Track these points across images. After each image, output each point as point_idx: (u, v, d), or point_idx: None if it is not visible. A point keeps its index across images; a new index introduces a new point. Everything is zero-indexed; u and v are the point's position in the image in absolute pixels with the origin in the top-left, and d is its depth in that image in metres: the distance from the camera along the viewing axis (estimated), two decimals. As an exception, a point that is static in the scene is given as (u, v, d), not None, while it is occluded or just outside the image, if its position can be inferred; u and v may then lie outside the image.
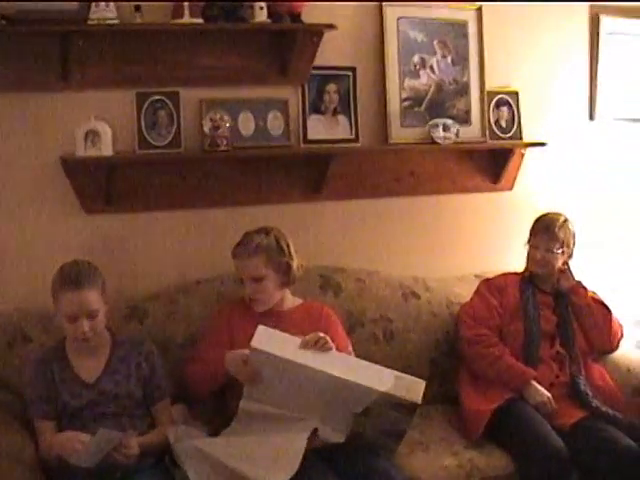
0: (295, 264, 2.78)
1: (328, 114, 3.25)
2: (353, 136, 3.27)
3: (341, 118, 3.26)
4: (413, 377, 2.54)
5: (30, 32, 2.70)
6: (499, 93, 3.50)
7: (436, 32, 3.37)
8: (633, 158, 3.80)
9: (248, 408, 2.54)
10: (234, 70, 3.07)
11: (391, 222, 3.42)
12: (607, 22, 3.65)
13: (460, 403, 2.98)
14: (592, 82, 3.70)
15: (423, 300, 3.24)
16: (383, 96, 3.30)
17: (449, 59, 3.40)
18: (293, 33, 3.02)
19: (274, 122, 3.15)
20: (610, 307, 3.12)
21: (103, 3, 2.73)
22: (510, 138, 3.52)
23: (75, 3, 2.75)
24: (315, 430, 2.47)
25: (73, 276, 2.46)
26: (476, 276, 3.39)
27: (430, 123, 3.32)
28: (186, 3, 2.84)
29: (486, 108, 3.45)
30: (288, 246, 2.78)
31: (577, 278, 3.11)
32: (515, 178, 3.59)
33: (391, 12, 3.27)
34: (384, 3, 3.25)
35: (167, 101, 2.99)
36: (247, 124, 3.12)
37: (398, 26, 3.30)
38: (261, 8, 2.93)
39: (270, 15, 2.96)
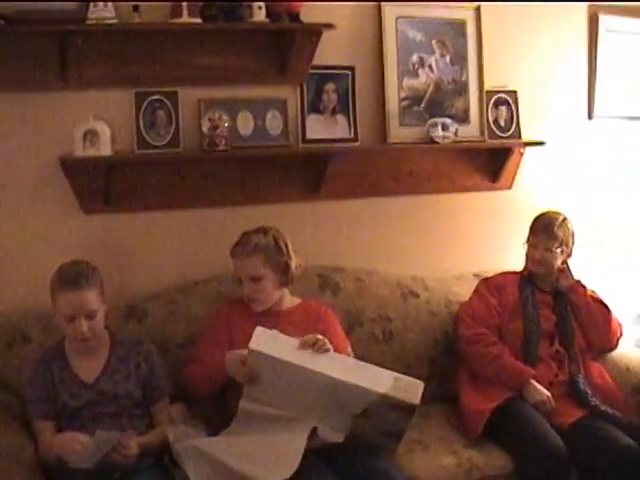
0: (293, 264, 2.78)
1: (327, 114, 3.24)
2: (352, 136, 3.27)
3: (340, 118, 3.26)
4: (412, 378, 2.54)
5: (28, 32, 2.70)
6: (498, 92, 3.50)
7: (435, 31, 3.37)
8: (632, 157, 3.80)
9: (247, 408, 2.54)
10: (233, 70, 3.07)
11: (390, 221, 3.42)
12: (606, 21, 3.65)
13: (459, 402, 2.98)
14: (591, 81, 3.70)
15: (422, 299, 3.24)
16: (382, 95, 3.30)
17: (448, 58, 3.40)
18: (292, 33, 3.02)
19: (273, 122, 3.15)
20: (609, 306, 3.12)
21: (101, 3, 2.72)
22: (509, 137, 3.52)
23: (73, 3, 2.75)
24: (314, 429, 2.47)
25: (72, 276, 2.47)
26: (475, 275, 3.39)
27: (429, 122, 3.32)
28: (184, 3, 2.84)
29: (485, 107, 3.45)
30: (286, 245, 2.78)
31: (576, 277, 3.11)
32: (514, 177, 3.59)
33: (390, 12, 3.27)
34: (383, 3, 3.25)
35: (166, 101, 2.99)
36: (246, 124, 3.12)
37: (397, 25, 3.30)
38: (259, 8, 2.93)
39: (268, 15, 2.96)
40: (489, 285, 3.14)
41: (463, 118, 3.42)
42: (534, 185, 3.62)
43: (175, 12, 2.87)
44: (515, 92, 3.53)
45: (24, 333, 2.77)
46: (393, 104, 3.30)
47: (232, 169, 3.12)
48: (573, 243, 3.11)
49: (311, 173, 3.23)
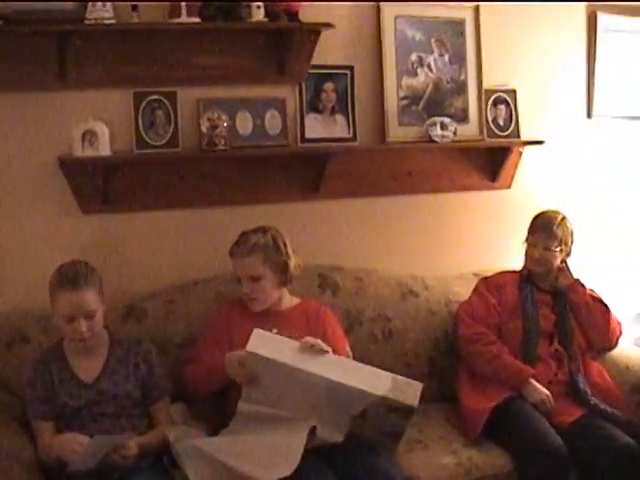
0: (292, 263, 2.78)
1: (326, 113, 3.24)
2: (351, 135, 3.27)
3: (339, 117, 3.26)
4: (410, 380, 2.54)
5: (27, 32, 2.70)
6: (497, 91, 3.50)
7: (433, 31, 3.37)
8: (631, 156, 3.80)
9: (246, 409, 2.54)
10: (231, 69, 3.07)
11: (389, 221, 3.42)
12: (604, 20, 3.65)
13: (459, 401, 2.97)
14: (590, 80, 3.70)
15: (422, 299, 3.24)
16: (381, 95, 3.30)
17: (446, 58, 3.40)
18: (290, 32, 3.02)
19: (272, 121, 3.15)
20: (609, 305, 3.12)
21: (100, 3, 2.72)
22: (508, 136, 3.52)
23: (72, 3, 2.75)
24: (313, 429, 2.46)
25: (71, 276, 2.46)
26: (475, 274, 3.39)
27: (428, 122, 3.32)
28: (183, 3, 2.84)
29: (484, 106, 3.45)
30: (285, 245, 2.78)
31: (575, 276, 3.11)
32: (513, 176, 3.59)
33: (388, 11, 3.27)
34: (381, 2, 3.25)
35: (164, 101, 2.99)
36: (245, 123, 3.11)
37: (395, 25, 3.29)
38: (258, 7, 2.93)
39: (267, 14, 2.96)
40: (488, 284, 3.14)
41: (462, 117, 3.42)
42: (533, 184, 3.62)
43: (174, 12, 2.87)
44: (514, 91, 3.53)
45: (23, 333, 2.77)
46: (392, 103, 3.30)
47: (231, 169, 3.12)
48: (572, 242, 3.11)
49: (310, 173, 3.23)
